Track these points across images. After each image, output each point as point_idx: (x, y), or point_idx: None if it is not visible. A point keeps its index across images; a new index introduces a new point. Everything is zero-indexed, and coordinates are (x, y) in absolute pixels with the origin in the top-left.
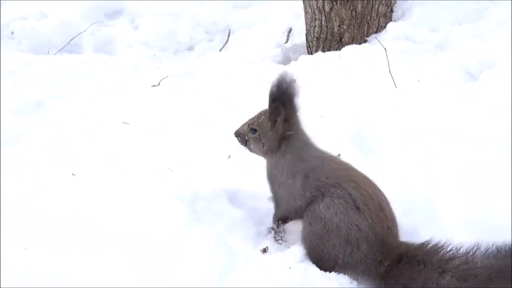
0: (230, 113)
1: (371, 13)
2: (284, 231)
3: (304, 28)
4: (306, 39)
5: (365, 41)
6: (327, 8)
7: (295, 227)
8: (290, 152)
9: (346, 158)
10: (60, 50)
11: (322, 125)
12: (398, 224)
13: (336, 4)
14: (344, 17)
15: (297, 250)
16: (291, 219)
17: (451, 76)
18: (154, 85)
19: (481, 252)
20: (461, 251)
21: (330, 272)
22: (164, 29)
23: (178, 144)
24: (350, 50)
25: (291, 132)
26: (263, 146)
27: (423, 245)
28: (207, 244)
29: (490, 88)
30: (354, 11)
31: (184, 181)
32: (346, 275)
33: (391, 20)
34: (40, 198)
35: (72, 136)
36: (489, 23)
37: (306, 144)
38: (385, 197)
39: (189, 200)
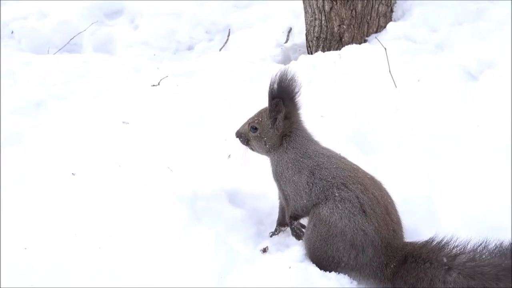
0: (230, 113)
1: (371, 13)
2: (299, 224)
3: (304, 28)
4: (306, 39)
5: (365, 41)
6: (327, 7)
7: None
8: (293, 148)
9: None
10: (60, 49)
11: (322, 125)
12: (403, 226)
13: (336, 4)
14: (344, 17)
15: (297, 250)
16: (302, 217)
17: (451, 76)
18: (154, 85)
19: (489, 250)
20: (468, 247)
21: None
22: (164, 28)
23: (178, 144)
24: (350, 50)
25: (292, 129)
26: (264, 144)
27: (427, 243)
28: (207, 244)
29: (490, 88)
30: (354, 11)
31: (184, 181)
32: (347, 275)
33: (391, 20)
34: (40, 198)
35: (72, 136)
36: (489, 23)
37: (309, 141)
38: (391, 199)
39: (189, 200)
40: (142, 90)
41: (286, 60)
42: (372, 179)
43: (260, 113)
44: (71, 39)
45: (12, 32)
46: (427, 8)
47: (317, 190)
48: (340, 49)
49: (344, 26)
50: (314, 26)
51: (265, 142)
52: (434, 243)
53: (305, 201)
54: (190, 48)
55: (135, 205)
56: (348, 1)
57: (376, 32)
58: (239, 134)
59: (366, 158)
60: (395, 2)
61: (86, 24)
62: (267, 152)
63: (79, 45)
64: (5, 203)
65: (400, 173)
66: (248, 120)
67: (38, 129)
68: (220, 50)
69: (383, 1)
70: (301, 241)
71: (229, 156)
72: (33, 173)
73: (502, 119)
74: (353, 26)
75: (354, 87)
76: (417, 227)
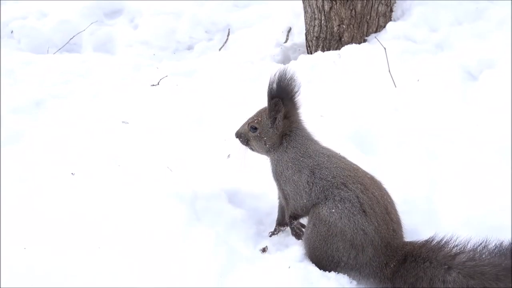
0: (230, 113)
1: (370, 13)
2: (299, 224)
3: (304, 28)
4: (306, 38)
5: (364, 41)
6: (326, 7)
7: None
8: (293, 147)
9: None
10: (59, 49)
11: (321, 125)
12: (402, 226)
13: (336, 3)
14: (344, 16)
15: (297, 250)
16: (301, 217)
17: (451, 76)
18: (153, 85)
19: (489, 250)
20: (468, 246)
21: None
22: (164, 28)
23: (178, 143)
24: (349, 49)
25: (292, 129)
26: (264, 144)
27: (427, 242)
28: (207, 244)
29: (490, 88)
30: (353, 10)
31: (184, 181)
32: (346, 275)
33: (390, 20)
34: (40, 198)
35: (72, 135)
36: (489, 23)
37: (309, 140)
38: (391, 199)
39: (189, 200)
40: (142, 89)
41: (285, 59)
42: (372, 179)
43: (259, 113)
44: (70, 39)
45: (11, 32)
46: (427, 8)
47: (317, 189)
48: (339, 49)
49: (344, 26)
50: (314, 26)
51: (265, 141)
52: (434, 242)
53: (305, 201)
54: (189, 47)
55: (135, 205)
56: (347, 1)
57: (376, 32)
58: (239, 135)
59: (366, 158)
60: (395, 2)
61: (86, 23)
62: (267, 152)
63: (78, 44)
64: (5, 202)
65: (400, 173)
66: (247, 120)
67: (38, 129)
68: (219, 49)
69: (383, 1)
70: (300, 240)
71: (229, 156)
72: (32, 172)
73: (502, 119)
74: (353, 26)
75: (353, 87)
76: (417, 227)
